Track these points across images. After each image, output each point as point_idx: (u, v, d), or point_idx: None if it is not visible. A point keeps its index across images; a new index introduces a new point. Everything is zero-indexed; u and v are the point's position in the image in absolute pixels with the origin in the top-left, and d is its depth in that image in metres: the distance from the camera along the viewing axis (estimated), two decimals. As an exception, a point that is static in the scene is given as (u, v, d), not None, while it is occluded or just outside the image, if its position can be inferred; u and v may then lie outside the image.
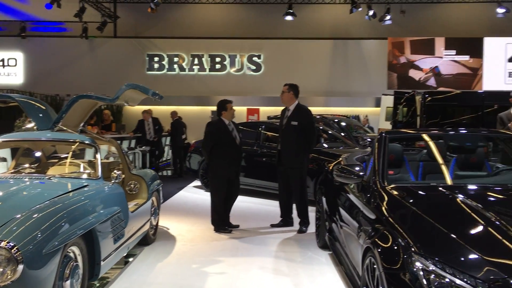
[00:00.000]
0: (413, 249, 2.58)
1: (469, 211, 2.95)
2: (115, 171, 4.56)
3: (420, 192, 3.43)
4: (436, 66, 17.59)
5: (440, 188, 3.48)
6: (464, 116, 13.51)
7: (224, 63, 18.29)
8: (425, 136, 4.46)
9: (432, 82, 17.62)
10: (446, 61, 17.57)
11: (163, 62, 18.42)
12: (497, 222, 2.73)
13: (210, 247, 5.66)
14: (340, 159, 6.07)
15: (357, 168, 3.87)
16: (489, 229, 2.69)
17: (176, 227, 6.66)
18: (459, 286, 2.32)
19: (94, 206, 3.88)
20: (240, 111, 18.43)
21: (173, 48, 18.47)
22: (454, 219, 2.90)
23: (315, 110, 13.13)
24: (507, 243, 2.52)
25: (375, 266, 2.89)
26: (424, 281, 2.41)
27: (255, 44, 18.23)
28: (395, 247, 2.69)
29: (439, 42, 17.64)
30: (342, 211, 4.33)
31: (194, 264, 5.00)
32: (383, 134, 4.18)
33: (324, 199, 5.27)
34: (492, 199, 3.29)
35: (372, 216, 3.28)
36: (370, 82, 17.73)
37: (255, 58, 18.21)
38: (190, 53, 18.40)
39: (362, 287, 3.17)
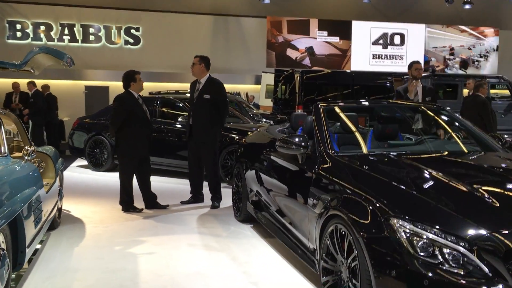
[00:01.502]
0: (390, 212, 2.67)
1: (430, 175, 3.16)
2: (26, 147, 4.00)
3: (374, 159, 3.57)
4: (311, 46, 18.47)
5: (391, 156, 3.64)
6: (337, 93, 14.56)
7: (99, 34, 17.06)
8: (356, 108, 4.65)
9: (307, 61, 18.48)
10: (320, 42, 18.53)
11: (27, 30, 16.54)
12: (460, 183, 2.96)
13: (127, 228, 5.30)
14: (250, 133, 6.10)
15: (296, 140, 3.89)
16: (457, 190, 2.90)
17: (77, 209, 6.12)
18: (441, 244, 2.46)
19: (12, 188, 3.35)
20: (117, 87, 17.47)
21: (39, 15, 16.66)
22: (419, 183, 3.07)
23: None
24: (478, 201, 2.74)
25: (343, 232, 2.95)
26: (407, 242, 2.51)
27: (132, 15, 17.27)
28: (370, 212, 2.77)
29: (313, 23, 18.50)
30: (278, 184, 4.34)
31: (116, 246, 4.64)
32: (319, 106, 4.26)
33: (247, 173, 5.24)
34: (440, 164, 3.55)
35: (331, 185, 3.33)
36: (250, 59, 17.98)
37: (133, 31, 17.26)
38: (59, 22, 16.78)
39: (322, 254, 3.22)
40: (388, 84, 14.41)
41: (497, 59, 19.89)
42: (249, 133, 7.60)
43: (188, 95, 7.24)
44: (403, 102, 5.63)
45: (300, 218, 3.73)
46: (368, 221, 2.74)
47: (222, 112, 6.29)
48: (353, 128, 4.23)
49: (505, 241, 2.39)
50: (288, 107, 14.77)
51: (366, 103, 5.35)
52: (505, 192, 2.93)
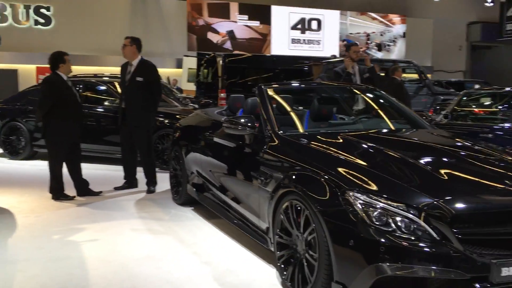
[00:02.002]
0: (345, 186, 2.83)
1: (377, 150, 3.37)
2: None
3: (322, 137, 3.72)
4: (232, 30, 18.51)
5: (338, 134, 3.82)
6: (259, 76, 14.85)
7: (5, 13, 15.84)
8: (299, 89, 4.78)
9: (228, 45, 18.52)
10: (240, 25, 18.63)
11: None
12: (405, 157, 3.19)
13: (61, 216, 5.08)
14: (180, 117, 6.09)
15: (243, 120, 3.96)
16: (403, 163, 3.12)
17: (0, 200, 5.74)
18: (394, 213, 2.66)
19: None
20: (27, 70, 16.41)
21: None
22: (368, 158, 3.26)
23: (113, 70, 12.62)
24: (423, 173, 2.98)
25: (299, 207, 3.08)
26: (363, 213, 2.69)
27: (42, -7, 16.26)
28: (326, 187, 2.91)
29: (234, 7, 18.54)
30: (225, 166, 4.39)
31: (54, 235, 4.45)
32: (262, 87, 4.35)
33: (188, 156, 5.23)
34: (382, 140, 3.78)
35: (283, 164, 3.44)
36: (170, 42, 17.67)
37: (43, 10, 16.25)
38: (-42, -1, 15.40)
39: (276, 230, 3.33)
40: (306, 68, 14.90)
41: (405, 44, 21.22)
42: (178, 116, 7.56)
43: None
44: (341, 84, 5.89)
45: (250, 197, 3.81)
46: (325, 196, 2.89)
47: (156, 95, 6.19)
48: (289, 109, 4.34)
49: (450, 207, 2.63)
50: (211, 90, 14.78)
51: (304, 85, 5.52)
52: (445, 164, 3.21)
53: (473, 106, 7.09)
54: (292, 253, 3.21)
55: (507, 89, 6.94)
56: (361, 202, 2.73)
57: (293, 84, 5.73)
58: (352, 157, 3.23)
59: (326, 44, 19.59)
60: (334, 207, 2.82)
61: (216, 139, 4.61)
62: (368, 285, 2.63)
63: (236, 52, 18.33)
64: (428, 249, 2.56)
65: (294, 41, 19.40)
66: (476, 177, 3.00)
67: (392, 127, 4.29)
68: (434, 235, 2.60)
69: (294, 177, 3.21)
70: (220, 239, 4.35)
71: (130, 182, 6.41)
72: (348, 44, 7.08)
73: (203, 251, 4.04)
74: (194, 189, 5.13)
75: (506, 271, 2.59)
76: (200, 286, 3.32)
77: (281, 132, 3.82)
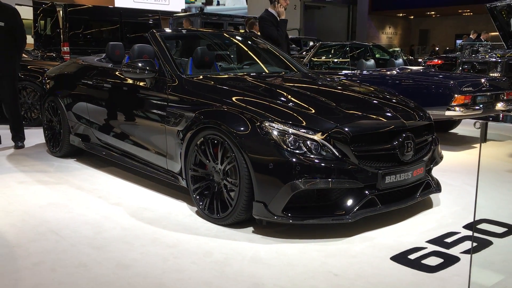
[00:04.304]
0: (261, 118, 3.19)
1: (277, 87, 3.79)
2: None
3: (225, 78, 3.97)
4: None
5: (237, 75, 4.15)
6: (104, 28, 14.29)
7: None
8: (189, 36, 4.89)
9: (67, -6, 17.11)
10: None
11: None
12: (304, 92, 3.66)
13: None
14: (60, 65, 5.82)
15: (141, 64, 4.02)
16: (305, 97, 3.59)
17: None
18: (304, 137, 3.11)
19: None
20: None
21: None
22: (272, 94, 3.64)
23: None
24: (323, 104, 3.48)
25: (216, 142, 3.37)
26: (279, 139, 3.09)
27: None
28: (244, 119, 3.23)
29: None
30: (121, 112, 4.40)
31: None
32: (154, 32, 4.41)
33: (68, 106, 5.05)
34: (277, 80, 4.21)
35: (193, 103, 3.64)
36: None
37: None
38: None
39: (190, 165, 3.58)
40: (151, 22, 14.73)
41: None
42: (30, 67, 7.13)
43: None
44: (229, 32, 6.12)
45: (157, 139, 3.95)
46: (243, 127, 3.21)
47: (21, 41, 5.74)
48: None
49: (348, 131, 3.18)
50: (51, 43, 13.77)
51: (192, 32, 5.65)
52: (338, 97, 3.78)
53: (326, 57, 7.99)
54: (209, 184, 3.50)
55: (349, 42, 7.97)
56: (277, 130, 3.13)
57: (181, 31, 5.82)
58: (260, 94, 3.60)
59: (172, -2, 19.40)
60: (253, 136, 3.16)
61: (107, 86, 4.57)
62: (285, 201, 3.07)
63: (76, 2, 17.16)
64: (332, 165, 3.09)
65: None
66: (364, 106, 3.63)
67: (280, 70, 4.77)
68: (337, 154, 3.13)
69: (210, 114, 3.45)
70: (120, 183, 4.41)
71: (-8, 138, 5.92)
72: None
73: (108, 194, 4.08)
74: (80, 139, 5.01)
75: (389, 179, 3.26)
76: (119, 223, 3.42)
77: (184, 74, 4.00)
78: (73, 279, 2.60)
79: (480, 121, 1.92)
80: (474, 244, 3.07)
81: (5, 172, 4.74)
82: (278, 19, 5.51)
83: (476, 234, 3.23)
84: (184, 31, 5.55)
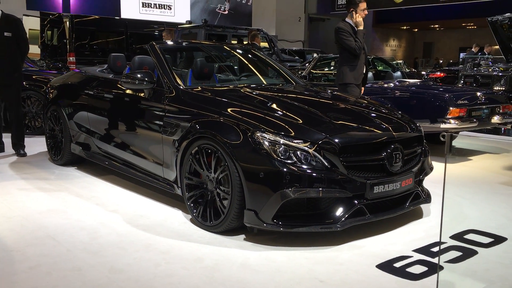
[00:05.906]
0: (253, 128, 3.29)
1: (272, 99, 3.89)
2: None
3: (222, 90, 4.08)
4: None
5: (234, 87, 4.27)
6: (110, 39, 14.51)
7: None
8: (189, 47, 5.03)
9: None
10: (86, -14, 17.60)
11: None
12: (296, 104, 3.77)
13: None
14: (62, 76, 5.96)
15: (140, 75, 4.15)
16: (297, 108, 3.69)
17: None
18: (294, 148, 3.21)
19: None
20: None
21: None
22: (266, 105, 3.74)
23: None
24: (314, 116, 3.58)
25: (209, 151, 3.47)
26: (270, 149, 3.19)
27: None
28: (237, 130, 3.33)
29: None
30: (120, 122, 4.52)
31: None
32: (154, 44, 4.54)
33: (70, 115, 5.18)
34: (273, 92, 4.30)
35: (188, 113, 3.75)
36: (5, 1, 15.97)
37: None
38: None
39: (185, 173, 3.67)
40: (157, 33, 14.93)
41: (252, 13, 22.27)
42: (35, 77, 7.31)
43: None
44: (228, 44, 6.25)
45: (154, 149, 4.05)
46: (236, 137, 3.31)
47: (24, 52, 5.91)
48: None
49: (338, 141, 3.27)
50: (56, 54, 13.99)
51: (192, 44, 5.79)
52: (328, 109, 3.87)
53: (326, 69, 8.11)
54: (203, 192, 3.59)
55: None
56: (268, 141, 3.23)
57: (182, 43, 5.96)
58: (254, 106, 3.70)
59: (178, 9, 19.66)
60: (245, 146, 3.26)
61: (108, 96, 4.69)
62: (275, 209, 3.16)
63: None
64: (322, 175, 3.18)
65: (144, 5, 19.02)
66: (354, 117, 3.73)
67: (276, 82, 4.88)
68: (326, 163, 3.22)
69: (205, 124, 3.56)
70: (119, 191, 4.52)
71: (-4, 146, 6.06)
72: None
73: (106, 202, 4.18)
74: (80, 148, 5.13)
75: (377, 189, 3.35)
76: (115, 229, 3.52)
77: (182, 85, 4.11)
78: (67, 282, 2.69)
79: (446, 133, 2.01)
80: (460, 253, 3.14)
81: (7, 179, 4.86)
82: (356, 29, 5.37)
83: (462, 244, 3.30)
84: (184, 44, 5.69)
